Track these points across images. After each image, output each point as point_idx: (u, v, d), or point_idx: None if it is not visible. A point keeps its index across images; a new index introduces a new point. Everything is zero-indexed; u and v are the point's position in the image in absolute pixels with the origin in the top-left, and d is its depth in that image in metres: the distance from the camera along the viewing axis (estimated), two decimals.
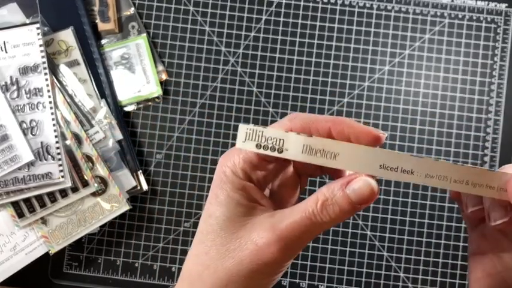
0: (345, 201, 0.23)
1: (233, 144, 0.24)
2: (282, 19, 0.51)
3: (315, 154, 0.23)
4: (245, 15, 0.51)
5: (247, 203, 0.25)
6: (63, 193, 0.45)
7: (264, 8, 0.51)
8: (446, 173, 0.23)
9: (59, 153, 0.44)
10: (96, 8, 0.49)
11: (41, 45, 0.45)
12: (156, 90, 0.49)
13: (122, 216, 0.48)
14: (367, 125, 0.24)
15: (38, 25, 0.45)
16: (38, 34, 0.45)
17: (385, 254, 0.49)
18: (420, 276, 0.49)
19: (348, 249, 0.49)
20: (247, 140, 0.24)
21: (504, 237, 0.26)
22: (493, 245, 0.26)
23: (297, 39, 0.51)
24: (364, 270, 0.49)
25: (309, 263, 0.49)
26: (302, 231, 0.23)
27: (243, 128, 0.24)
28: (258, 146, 0.23)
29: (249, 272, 0.23)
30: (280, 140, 0.23)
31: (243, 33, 0.51)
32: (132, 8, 0.51)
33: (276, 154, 0.23)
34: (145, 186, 0.48)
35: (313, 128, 0.24)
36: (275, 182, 0.28)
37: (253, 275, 0.23)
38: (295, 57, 0.51)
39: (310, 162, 0.23)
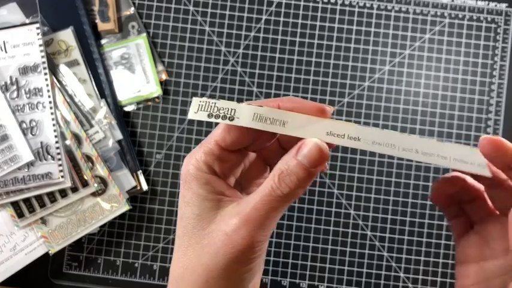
0: (299, 168, 0.23)
1: (205, 121, 0.24)
2: (282, 19, 0.51)
3: (265, 121, 0.24)
4: (245, 15, 0.51)
5: (214, 196, 0.25)
6: (63, 193, 0.45)
7: (264, 8, 0.51)
8: (394, 141, 0.24)
9: (58, 153, 0.44)
10: (96, 8, 0.49)
11: (40, 45, 0.45)
12: (156, 90, 0.49)
13: (122, 216, 0.48)
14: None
15: (37, 25, 0.45)
16: (38, 34, 0.45)
17: (385, 254, 0.49)
18: (420, 276, 0.49)
19: (348, 249, 0.49)
20: (199, 111, 0.24)
21: (487, 246, 0.26)
22: (477, 254, 0.26)
23: (297, 39, 0.51)
24: (364, 270, 0.49)
25: (309, 263, 0.49)
26: (266, 209, 0.23)
27: (196, 101, 0.24)
28: (209, 115, 0.24)
29: (226, 263, 0.23)
30: (231, 109, 0.24)
31: (243, 33, 0.51)
32: (132, 8, 0.50)
33: (227, 122, 0.24)
34: (145, 186, 0.48)
35: (264, 105, 0.25)
36: (243, 174, 0.29)
37: (230, 265, 0.24)
38: (295, 57, 0.51)
39: (259, 129, 0.24)
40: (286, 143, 0.29)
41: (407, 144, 0.24)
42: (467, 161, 0.24)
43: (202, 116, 0.24)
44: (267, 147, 0.29)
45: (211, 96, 0.50)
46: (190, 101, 0.24)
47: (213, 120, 0.24)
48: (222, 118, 0.24)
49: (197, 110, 0.24)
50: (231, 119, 0.24)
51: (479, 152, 0.24)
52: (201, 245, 0.24)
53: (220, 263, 0.23)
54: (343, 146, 0.24)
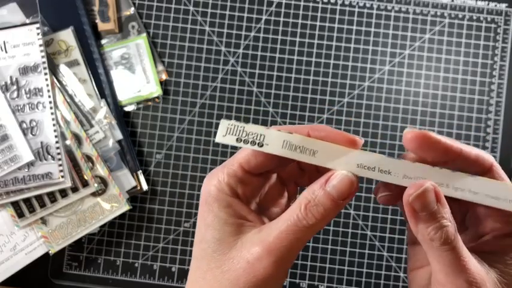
0: (327, 199, 0.23)
1: (233, 145, 0.24)
2: (282, 19, 0.51)
3: (295, 150, 0.24)
4: (245, 15, 0.51)
5: (235, 220, 0.24)
6: (63, 193, 0.45)
7: (264, 8, 0.51)
8: (424, 175, 0.23)
9: (59, 153, 0.44)
10: (96, 8, 0.49)
11: (40, 45, 0.45)
12: (156, 90, 0.49)
13: (122, 216, 0.48)
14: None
15: (38, 25, 0.45)
16: (38, 34, 0.45)
17: (385, 254, 0.49)
18: None
19: (348, 249, 0.49)
20: (228, 135, 0.24)
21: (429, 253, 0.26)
22: (424, 261, 0.26)
23: (297, 39, 0.51)
24: (364, 270, 0.49)
25: (309, 263, 0.49)
26: (290, 239, 0.23)
27: (224, 123, 0.24)
28: (238, 140, 0.24)
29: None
30: (261, 135, 0.24)
31: (243, 33, 0.51)
32: (132, 8, 0.51)
33: (256, 148, 0.24)
34: (145, 186, 0.48)
35: (293, 131, 0.25)
36: (262, 195, 0.28)
37: None
38: (295, 57, 0.51)
39: (289, 157, 0.24)
40: (305, 164, 0.28)
41: (438, 178, 0.23)
42: (500, 197, 0.23)
43: (231, 140, 0.24)
44: (286, 167, 0.28)
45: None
46: (218, 123, 0.24)
47: (241, 145, 0.24)
48: (251, 144, 0.24)
49: (225, 133, 0.24)
50: (260, 145, 0.24)
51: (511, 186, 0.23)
52: (221, 270, 0.24)
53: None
54: (374, 179, 0.24)
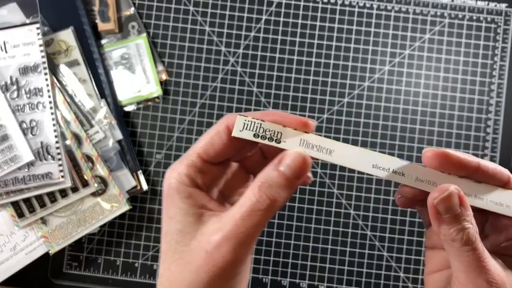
0: (281, 179, 0.23)
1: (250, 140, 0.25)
2: (282, 19, 0.51)
3: (312, 148, 0.24)
4: (245, 15, 0.51)
5: (196, 210, 0.24)
6: (63, 193, 0.45)
7: (264, 8, 0.51)
8: (436, 179, 0.24)
9: (59, 153, 0.44)
10: (96, 8, 0.49)
11: (41, 45, 0.45)
12: (156, 90, 0.49)
13: (122, 216, 0.48)
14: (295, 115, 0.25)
15: (38, 25, 0.45)
16: (38, 34, 0.45)
17: (385, 254, 0.49)
18: (420, 276, 0.49)
19: (348, 249, 0.49)
20: (245, 130, 0.24)
21: None
22: (442, 265, 0.27)
23: (297, 39, 0.51)
24: (364, 270, 0.49)
25: (309, 263, 0.49)
26: (247, 225, 0.23)
27: (240, 119, 0.24)
28: (255, 135, 0.24)
29: (208, 280, 0.23)
30: (278, 132, 0.24)
31: (243, 33, 0.51)
32: (132, 8, 0.51)
33: (273, 144, 0.24)
34: (145, 186, 0.48)
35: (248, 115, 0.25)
36: (225, 183, 0.28)
37: (212, 282, 0.23)
38: (295, 57, 0.51)
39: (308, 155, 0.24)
40: (269, 153, 0.28)
41: (448, 182, 0.24)
42: (503, 203, 0.24)
43: (248, 135, 0.24)
44: (250, 156, 0.29)
45: (212, 97, 0.50)
46: (235, 119, 0.25)
47: (259, 140, 0.24)
48: (268, 139, 0.24)
49: (242, 128, 0.24)
50: (278, 141, 0.24)
51: None
52: (184, 261, 0.24)
53: (203, 280, 0.23)
54: (387, 179, 0.25)
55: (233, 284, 0.24)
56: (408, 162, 0.24)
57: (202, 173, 0.25)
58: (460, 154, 0.24)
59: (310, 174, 0.27)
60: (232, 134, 0.24)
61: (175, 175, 0.25)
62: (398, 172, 0.24)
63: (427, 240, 0.28)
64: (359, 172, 0.50)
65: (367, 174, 0.25)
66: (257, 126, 0.24)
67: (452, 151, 0.24)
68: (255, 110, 0.50)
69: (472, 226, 0.23)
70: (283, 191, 0.23)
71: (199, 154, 0.25)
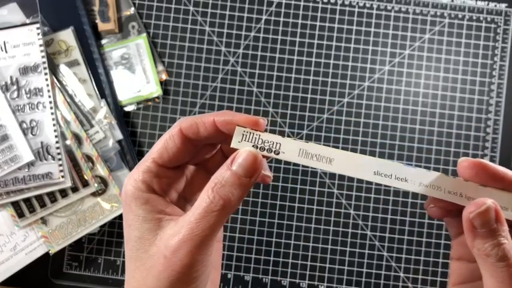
0: (234, 179, 0.23)
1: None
2: (282, 19, 0.51)
3: (311, 158, 0.24)
4: (245, 15, 0.51)
5: (153, 216, 0.24)
6: (63, 193, 0.45)
7: (264, 8, 0.51)
8: (440, 184, 0.24)
9: (59, 153, 0.44)
10: (96, 8, 0.49)
11: (41, 45, 0.45)
12: (156, 90, 0.49)
13: (122, 216, 0.48)
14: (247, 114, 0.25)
15: (38, 25, 0.45)
16: (38, 34, 0.45)
17: (385, 254, 0.49)
18: (420, 276, 0.49)
19: (348, 249, 0.49)
20: (244, 141, 0.24)
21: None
22: (470, 253, 0.26)
23: (297, 39, 0.51)
24: (364, 270, 0.49)
25: (309, 263, 0.49)
26: (202, 227, 0.23)
27: (239, 130, 0.24)
28: (254, 146, 0.24)
29: (169, 285, 0.23)
30: (277, 143, 0.24)
31: (243, 33, 0.51)
32: (132, 8, 0.51)
33: (272, 155, 0.24)
34: None
35: (199, 122, 0.25)
36: (184, 185, 0.28)
37: (174, 287, 0.23)
38: (295, 57, 0.51)
39: (305, 164, 0.24)
40: (229, 153, 0.28)
41: (453, 187, 0.24)
42: (508, 207, 0.24)
43: (247, 147, 0.24)
44: (211, 158, 0.28)
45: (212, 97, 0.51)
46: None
47: (258, 152, 0.24)
48: (267, 151, 0.24)
49: (241, 139, 0.24)
50: (277, 152, 0.24)
51: None
52: (145, 268, 0.24)
53: (164, 286, 0.23)
54: (389, 186, 0.25)
55: (196, 287, 0.24)
56: (410, 167, 0.24)
57: (158, 177, 0.25)
58: (497, 166, 0.24)
59: (269, 173, 0.27)
60: (231, 145, 0.24)
61: (131, 182, 0.25)
62: (401, 178, 0.24)
63: (453, 251, 0.28)
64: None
65: (376, 184, 0.24)
66: (256, 138, 0.24)
67: (488, 162, 0.24)
68: (255, 110, 0.50)
69: (508, 242, 0.22)
70: (236, 190, 0.23)
71: (154, 159, 0.25)
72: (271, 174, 0.27)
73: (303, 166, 0.50)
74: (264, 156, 0.25)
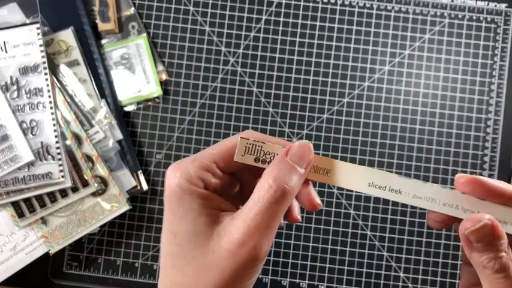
0: (290, 168, 0.24)
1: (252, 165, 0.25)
2: (282, 19, 0.51)
3: (310, 169, 0.25)
4: (245, 15, 0.51)
5: (208, 211, 0.24)
6: (63, 193, 0.45)
7: (264, 8, 0.51)
8: (435, 196, 0.24)
9: (59, 153, 0.44)
10: (96, 8, 0.49)
11: (41, 45, 0.45)
12: (156, 90, 0.49)
13: (122, 216, 0.48)
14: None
15: (38, 25, 0.45)
16: (38, 34, 0.45)
17: (385, 254, 0.49)
18: (420, 276, 0.49)
19: (348, 249, 0.49)
20: (246, 154, 0.25)
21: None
22: (479, 280, 0.26)
23: (297, 39, 0.51)
24: (364, 270, 0.49)
25: (309, 263, 0.49)
26: (266, 218, 0.23)
27: (242, 142, 0.25)
28: (256, 160, 0.25)
29: (232, 279, 0.23)
30: (277, 155, 0.25)
31: (243, 33, 0.51)
32: (132, 8, 0.51)
33: None
34: (145, 186, 0.48)
35: (269, 142, 0.26)
36: (235, 189, 0.28)
37: (236, 280, 0.23)
38: (295, 57, 0.51)
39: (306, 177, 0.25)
40: None
41: (448, 199, 0.24)
42: (507, 221, 0.24)
43: (249, 160, 0.25)
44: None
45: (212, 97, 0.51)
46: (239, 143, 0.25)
47: (259, 165, 0.25)
48: (268, 163, 0.25)
49: (244, 152, 0.25)
50: None
51: None
52: (202, 264, 0.23)
53: (227, 280, 0.23)
54: (384, 198, 0.25)
55: (253, 279, 0.24)
56: (404, 178, 0.24)
57: (215, 178, 0.25)
58: (495, 182, 0.24)
59: (318, 201, 0.27)
60: (234, 159, 0.25)
61: (184, 176, 0.24)
62: (395, 190, 0.24)
63: (464, 255, 0.28)
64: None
65: (381, 197, 0.24)
66: (258, 150, 0.25)
67: (486, 178, 0.24)
68: (255, 110, 0.50)
69: (505, 254, 0.22)
70: (293, 178, 0.24)
71: (215, 160, 0.25)
72: (321, 203, 0.27)
73: None
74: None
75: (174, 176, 0.24)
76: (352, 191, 0.49)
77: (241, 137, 0.25)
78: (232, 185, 0.28)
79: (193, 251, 0.23)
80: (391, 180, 0.24)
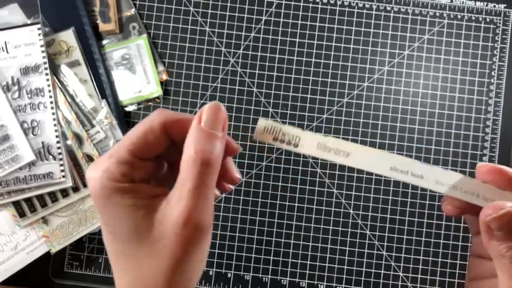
0: (206, 134, 0.23)
1: (270, 143, 0.25)
2: (281, 20, 0.51)
3: (329, 151, 0.25)
4: (245, 15, 0.51)
5: (142, 202, 0.24)
6: (64, 193, 0.45)
7: (264, 8, 0.51)
8: (456, 182, 0.24)
9: (60, 153, 0.44)
10: (97, 9, 0.49)
11: (42, 46, 0.45)
12: (156, 91, 0.50)
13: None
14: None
15: (39, 26, 0.46)
16: (39, 35, 0.46)
17: (384, 253, 0.49)
18: (419, 276, 0.49)
19: (347, 248, 0.49)
20: (265, 133, 0.25)
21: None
22: (487, 273, 0.27)
23: (297, 40, 0.51)
24: (364, 269, 0.49)
25: (308, 262, 0.49)
26: (199, 192, 0.23)
27: (262, 122, 0.25)
28: (275, 139, 0.25)
29: (184, 259, 0.23)
30: (296, 136, 0.25)
31: (243, 33, 0.51)
32: (133, 9, 0.51)
33: (291, 148, 0.25)
34: None
35: (186, 120, 0.25)
36: (157, 175, 0.28)
37: (189, 259, 0.23)
38: (295, 58, 0.51)
39: (323, 158, 0.25)
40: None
41: (469, 187, 0.24)
42: None
43: (268, 138, 0.25)
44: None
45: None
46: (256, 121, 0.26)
47: (277, 144, 0.25)
48: (286, 143, 0.25)
49: (263, 131, 0.25)
50: (296, 145, 0.25)
51: None
52: (152, 253, 0.23)
53: (179, 262, 0.23)
54: (406, 182, 0.25)
55: (205, 255, 0.25)
56: (426, 164, 0.24)
57: (134, 168, 0.24)
58: None
59: (238, 175, 0.27)
60: (254, 136, 0.25)
61: (106, 174, 0.23)
62: (417, 175, 0.24)
63: (473, 248, 0.28)
64: (358, 171, 0.50)
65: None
66: (277, 131, 0.25)
67: (508, 168, 0.24)
68: (255, 110, 0.51)
69: None
70: (212, 145, 0.23)
71: (131, 150, 0.24)
72: (240, 176, 0.27)
73: (302, 166, 0.50)
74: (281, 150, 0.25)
75: (95, 178, 0.24)
76: (351, 191, 0.50)
77: (261, 117, 0.25)
78: (159, 167, 0.27)
79: (139, 244, 0.23)
80: (413, 165, 0.24)
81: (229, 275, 0.49)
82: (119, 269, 0.24)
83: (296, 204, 0.50)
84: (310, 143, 0.25)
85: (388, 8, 0.51)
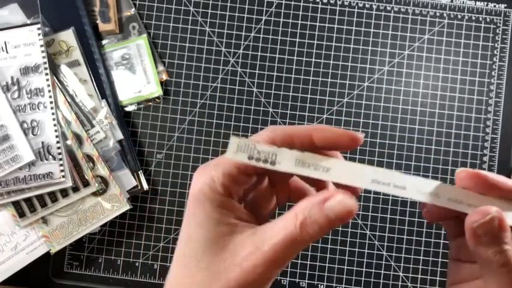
0: (324, 220, 0.23)
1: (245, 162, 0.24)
2: (281, 20, 0.51)
3: (308, 167, 0.24)
4: (245, 15, 0.51)
5: (228, 220, 0.24)
6: (64, 193, 0.45)
7: (264, 8, 0.51)
8: (438, 191, 0.24)
9: (59, 153, 0.44)
10: (96, 9, 0.49)
11: (41, 46, 0.45)
12: (156, 91, 0.50)
13: (123, 215, 0.48)
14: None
15: (38, 25, 0.46)
16: (39, 34, 0.45)
17: (384, 253, 0.49)
18: (419, 276, 0.49)
19: (347, 248, 0.49)
20: (239, 152, 0.24)
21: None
22: (467, 277, 0.26)
23: (297, 40, 0.51)
24: (364, 269, 0.49)
25: (308, 262, 0.49)
26: (285, 252, 0.23)
27: (234, 140, 0.24)
28: (250, 157, 0.24)
29: None
30: (273, 154, 0.24)
31: (243, 33, 0.51)
32: (133, 9, 0.51)
33: (268, 166, 0.24)
34: (145, 186, 0.49)
35: (295, 136, 0.25)
36: (253, 195, 0.28)
37: None
38: (295, 58, 0.51)
39: (302, 175, 0.24)
40: None
41: (452, 194, 0.24)
42: (508, 214, 0.24)
43: (243, 157, 0.24)
44: None
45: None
46: (229, 141, 0.24)
47: (253, 162, 0.24)
48: (263, 162, 0.24)
49: (236, 150, 0.24)
50: (273, 163, 0.24)
51: None
52: (212, 271, 0.23)
53: None
54: (389, 194, 0.24)
55: None
56: (408, 175, 0.24)
57: (237, 182, 0.25)
58: (495, 176, 0.24)
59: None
60: (226, 156, 0.24)
61: (208, 181, 0.24)
62: (399, 186, 0.24)
63: (452, 252, 0.28)
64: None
65: (386, 192, 0.24)
66: (251, 148, 0.24)
67: (486, 173, 0.24)
68: (255, 110, 0.51)
69: (510, 248, 0.23)
70: (324, 229, 0.23)
71: (237, 164, 0.24)
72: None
73: None
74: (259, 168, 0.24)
75: (199, 181, 0.24)
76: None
77: (232, 134, 0.24)
78: (260, 181, 0.28)
79: (207, 257, 0.24)
80: (394, 176, 0.24)
81: None
82: (173, 270, 0.25)
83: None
84: (288, 160, 0.24)
85: (388, 8, 0.51)
